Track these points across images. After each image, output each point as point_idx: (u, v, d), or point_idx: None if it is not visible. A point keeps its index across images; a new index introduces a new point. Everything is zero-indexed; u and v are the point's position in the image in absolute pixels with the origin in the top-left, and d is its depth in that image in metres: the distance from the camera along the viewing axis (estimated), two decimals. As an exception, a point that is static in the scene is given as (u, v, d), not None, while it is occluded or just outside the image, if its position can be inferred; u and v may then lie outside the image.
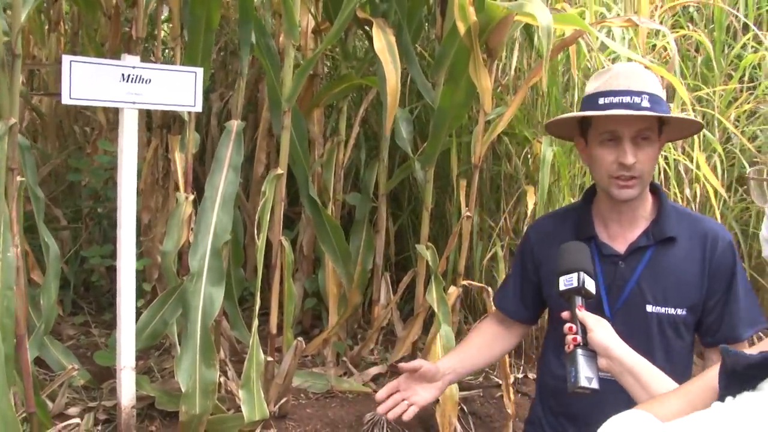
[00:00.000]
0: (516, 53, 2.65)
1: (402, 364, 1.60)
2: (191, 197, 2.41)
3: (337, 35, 2.10)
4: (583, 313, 1.33)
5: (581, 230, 1.62)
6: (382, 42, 2.28)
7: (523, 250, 1.76)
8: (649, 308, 1.54)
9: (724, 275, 1.55)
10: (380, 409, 1.58)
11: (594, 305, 1.53)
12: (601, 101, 1.51)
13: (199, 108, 1.99)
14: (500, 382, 2.63)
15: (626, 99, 1.48)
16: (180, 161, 2.55)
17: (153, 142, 2.77)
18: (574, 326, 1.32)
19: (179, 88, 1.95)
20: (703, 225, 1.59)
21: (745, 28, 3.48)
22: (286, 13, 2.00)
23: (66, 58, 1.75)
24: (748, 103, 3.26)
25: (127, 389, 1.97)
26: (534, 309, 1.77)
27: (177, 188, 2.64)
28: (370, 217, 2.81)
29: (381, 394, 1.59)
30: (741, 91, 3.25)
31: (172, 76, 1.94)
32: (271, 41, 2.26)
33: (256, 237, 1.96)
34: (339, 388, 2.50)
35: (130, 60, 1.88)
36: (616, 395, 1.48)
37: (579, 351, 1.29)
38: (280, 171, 2.08)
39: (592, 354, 1.29)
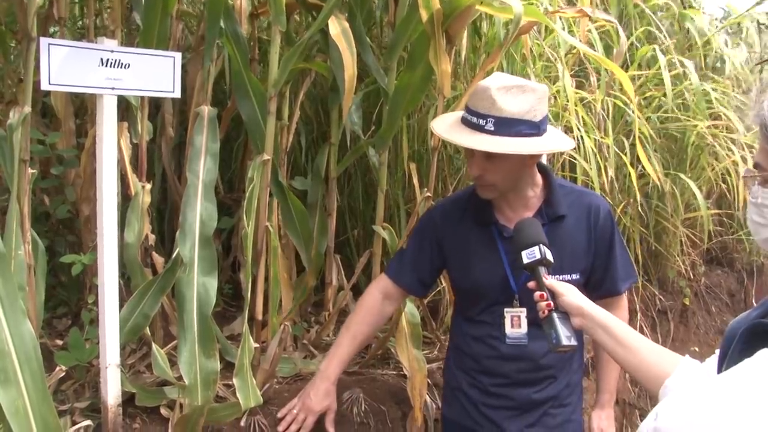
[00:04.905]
0: (465, 41, 2.77)
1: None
2: (148, 186, 2.32)
3: (324, 21, 2.10)
4: (550, 281, 1.50)
5: (482, 216, 1.78)
6: (338, 28, 2.30)
7: (425, 228, 1.89)
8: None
9: (606, 240, 1.79)
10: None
11: (501, 283, 1.74)
12: (464, 115, 1.65)
13: (177, 94, 1.93)
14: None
15: (474, 120, 1.60)
16: (126, 149, 2.45)
17: (93, 130, 2.61)
18: (544, 293, 1.47)
19: (157, 73, 1.88)
20: (586, 199, 1.81)
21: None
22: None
23: (44, 41, 1.64)
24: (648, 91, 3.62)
25: (113, 387, 1.90)
26: (429, 284, 1.95)
27: (122, 177, 2.53)
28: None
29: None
30: (638, 77, 3.61)
31: (150, 60, 1.86)
32: (238, 27, 2.21)
33: (245, 223, 1.94)
34: (307, 371, 2.51)
35: (108, 43, 1.79)
36: (521, 352, 1.75)
37: (554, 315, 1.45)
38: (266, 157, 2.06)
39: (566, 315, 1.46)
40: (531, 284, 1.52)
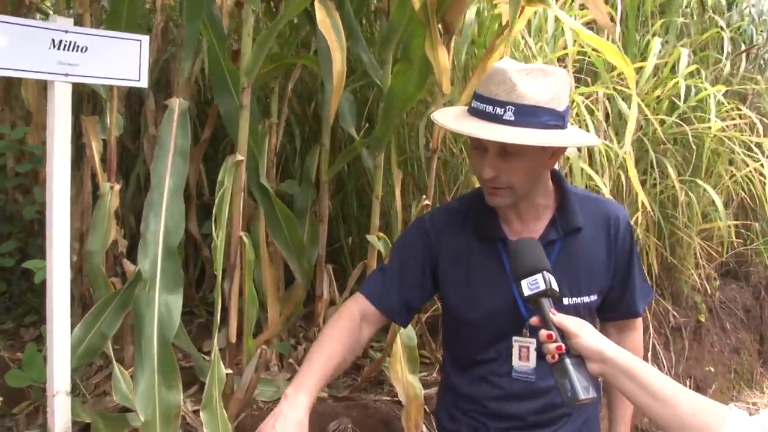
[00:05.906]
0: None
1: None
2: (117, 187, 2.09)
3: (302, 5, 1.86)
4: (560, 317, 1.24)
5: (486, 230, 1.50)
6: (326, 18, 2.05)
7: (414, 242, 1.55)
8: (566, 301, 1.46)
9: (626, 254, 1.55)
10: None
11: (510, 309, 1.47)
12: (474, 104, 1.37)
13: (144, 83, 1.69)
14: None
15: (489, 109, 1.32)
16: (97, 146, 2.22)
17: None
18: (552, 333, 1.22)
19: (121, 58, 1.64)
20: (603, 207, 1.55)
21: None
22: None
23: (-18, 18, 1.41)
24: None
25: (62, 417, 1.66)
26: (414, 311, 1.60)
27: (93, 176, 2.31)
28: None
29: None
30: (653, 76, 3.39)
31: (112, 43, 1.63)
32: (214, 9, 1.96)
33: (213, 233, 1.70)
34: (291, 395, 2.28)
35: (62, 22, 1.55)
36: (528, 389, 1.49)
37: (567, 360, 1.20)
38: (239, 157, 1.81)
39: (580, 359, 1.21)
40: (534, 320, 1.27)
